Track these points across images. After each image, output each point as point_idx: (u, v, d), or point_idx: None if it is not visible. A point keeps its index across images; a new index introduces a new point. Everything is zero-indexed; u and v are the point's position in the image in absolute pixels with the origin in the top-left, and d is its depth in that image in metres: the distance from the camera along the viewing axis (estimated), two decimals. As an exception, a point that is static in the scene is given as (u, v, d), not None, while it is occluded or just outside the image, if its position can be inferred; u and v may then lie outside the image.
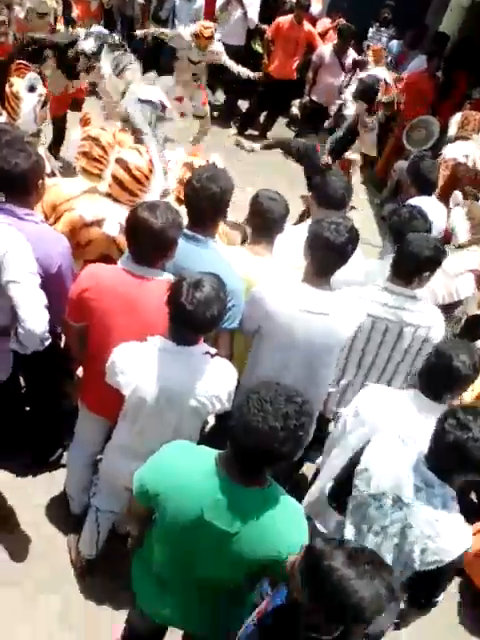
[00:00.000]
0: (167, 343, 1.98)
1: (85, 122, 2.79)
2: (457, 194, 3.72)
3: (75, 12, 5.98)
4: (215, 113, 6.94)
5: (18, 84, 3.27)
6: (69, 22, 5.92)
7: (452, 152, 5.12)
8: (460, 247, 3.39)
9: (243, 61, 6.38)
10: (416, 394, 2.14)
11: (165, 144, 3.88)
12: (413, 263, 2.49)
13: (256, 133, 7.30)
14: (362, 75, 5.79)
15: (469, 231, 3.42)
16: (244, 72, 6.11)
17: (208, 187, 2.32)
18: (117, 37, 4.20)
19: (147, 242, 2.10)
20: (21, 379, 2.86)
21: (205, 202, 2.34)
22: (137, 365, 1.99)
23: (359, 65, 6.41)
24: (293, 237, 2.67)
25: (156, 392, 1.98)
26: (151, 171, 2.71)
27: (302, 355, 2.39)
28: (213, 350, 2.06)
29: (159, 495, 1.65)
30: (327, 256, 2.30)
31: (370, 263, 2.98)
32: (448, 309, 3.21)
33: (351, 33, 6.46)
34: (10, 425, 2.80)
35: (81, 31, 4.36)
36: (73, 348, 2.47)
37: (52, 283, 2.28)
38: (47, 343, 2.12)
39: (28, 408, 2.97)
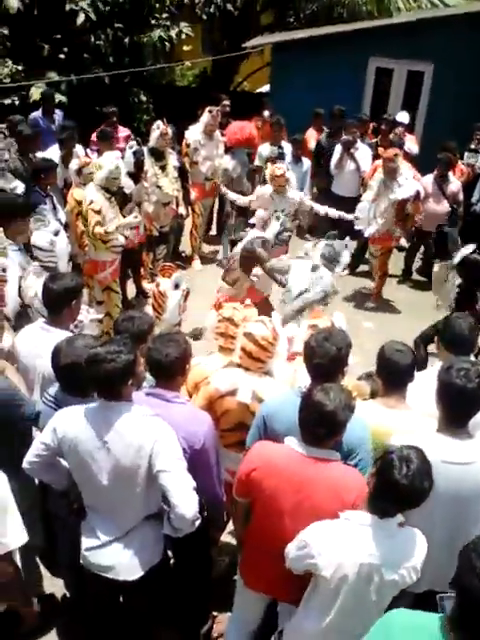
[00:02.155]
0: (367, 518, 1.99)
1: (218, 306, 3.09)
2: None
3: (193, 194, 6.65)
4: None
5: (164, 283, 3.67)
6: (188, 204, 6.77)
7: None
8: None
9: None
10: None
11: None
12: None
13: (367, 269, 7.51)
14: None
15: None
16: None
17: (324, 346, 2.44)
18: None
19: (319, 424, 2.14)
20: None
21: (322, 359, 2.44)
22: (335, 544, 1.99)
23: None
24: (424, 384, 2.63)
25: (358, 569, 1.96)
26: (275, 338, 2.89)
27: (447, 509, 2.28)
28: (403, 519, 2.04)
29: None
30: (460, 404, 2.28)
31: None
32: None
33: (451, 162, 6.78)
34: (160, 600, 2.80)
35: None
36: (237, 523, 2.53)
37: (197, 458, 2.44)
38: (197, 523, 2.19)
39: (176, 577, 2.96)
